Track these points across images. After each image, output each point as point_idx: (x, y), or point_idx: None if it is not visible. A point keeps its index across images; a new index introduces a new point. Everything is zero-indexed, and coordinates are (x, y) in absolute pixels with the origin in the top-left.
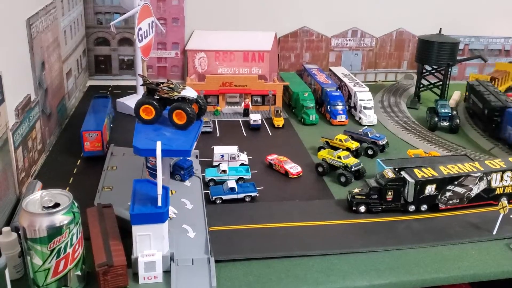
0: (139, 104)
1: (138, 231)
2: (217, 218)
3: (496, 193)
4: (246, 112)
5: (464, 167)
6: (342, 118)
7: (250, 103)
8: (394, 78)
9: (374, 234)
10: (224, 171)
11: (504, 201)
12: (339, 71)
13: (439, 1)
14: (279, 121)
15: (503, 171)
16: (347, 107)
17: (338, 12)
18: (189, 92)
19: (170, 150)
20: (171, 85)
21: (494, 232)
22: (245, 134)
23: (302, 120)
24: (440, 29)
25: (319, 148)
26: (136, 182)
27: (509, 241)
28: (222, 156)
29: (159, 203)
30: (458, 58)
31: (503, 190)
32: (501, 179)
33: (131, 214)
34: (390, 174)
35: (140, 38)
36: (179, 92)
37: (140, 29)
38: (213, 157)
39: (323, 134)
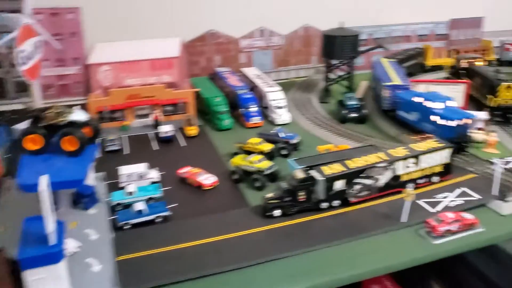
0: (22, 135)
1: (30, 276)
2: (126, 246)
3: (402, 180)
4: (156, 124)
5: (370, 159)
6: (256, 120)
7: (159, 114)
8: (305, 74)
9: (290, 237)
10: (131, 193)
11: (408, 189)
12: (251, 72)
13: None
14: (191, 130)
15: (406, 158)
16: (260, 108)
17: (244, 13)
18: (78, 115)
19: (60, 182)
20: (58, 110)
21: (403, 220)
22: (156, 148)
23: (216, 126)
24: (341, 22)
25: (234, 154)
26: (27, 220)
27: (418, 227)
28: (130, 176)
29: (52, 241)
30: (361, 49)
31: (409, 177)
32: (406, 166)
33: (19, 259)
34: (300, 174)
35: (22, 60)
36: (67, 117)
37: (22, 51)
38: (120, 178)
39: (238, 139)
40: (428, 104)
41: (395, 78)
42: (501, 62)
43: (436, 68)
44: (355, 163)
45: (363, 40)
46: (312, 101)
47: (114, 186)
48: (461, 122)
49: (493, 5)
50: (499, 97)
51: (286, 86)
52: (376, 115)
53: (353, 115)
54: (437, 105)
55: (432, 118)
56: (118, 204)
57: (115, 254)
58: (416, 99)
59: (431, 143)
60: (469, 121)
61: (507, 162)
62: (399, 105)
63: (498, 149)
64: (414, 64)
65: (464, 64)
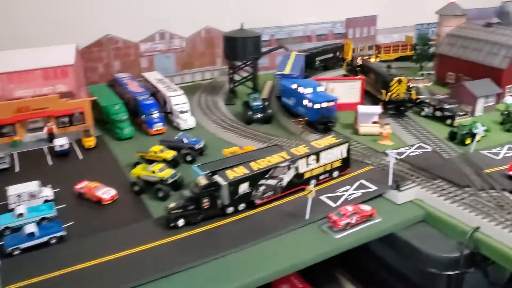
0: None
1: None
2: (16, 273)
3: (305, 177)
4: (50, 137)
5: (273, 159)
6: (159, 126)
7: (54, 126)
8: (211, 76)
9: (195, 247)
10: (21, 215)
11: (310, 186)
12: (153, 76)
13: None
14: (89, 142)
15: (307, 156)
16: (163, 113)
17: (142, 16)
18: None
19: None
20: None
21: (307, 217)
22: (51, 163)
23: (116, 135)
24: (242, 24)
25: (135, 165)
26: None
27: (321, 223)
28: (19, 196)
29: None
30: (264, 50)
31: (311, 173)
32: (307, 164)
33: None
34: (203, 181)
35: None
36: None
37: None
38: (8, 199)
39: (140, 148)
40: (301, 89)
41: (288, 69)
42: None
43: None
44: (259, 164)
45: (266, 41)
46: (218, 103)
47: (3, 209)
48: (324, 105)
49: (385, 4)
50: (392, 91)
51: (191, 89)
52: (281, 114)
53: (258, 115)
54: (307, 90)
55: (304, 102)
56: (6, 228)
57: (3, 283)
58: (293, 86)
59: (330, 139)
60: (332, 104)
61: (401, 153)
62: (283, 92)
63: (392, 141)
64: (331, 58)
65: (359, 61)
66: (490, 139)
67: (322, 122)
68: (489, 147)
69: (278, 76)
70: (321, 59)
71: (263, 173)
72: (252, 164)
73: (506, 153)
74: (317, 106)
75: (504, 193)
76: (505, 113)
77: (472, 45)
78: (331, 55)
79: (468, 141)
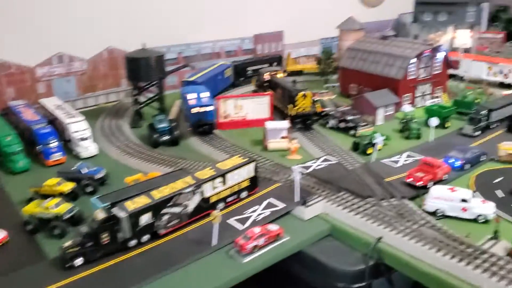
0: None
1: None
2: None
3: (212, 201)
4: None
5: (177, 185)
6: (57, 156)
7: None
8: (116, 98)
9: (94, 287)
10: None
11: (215, 211)
12: (51, 102)
13: (143, 15)
14: None
15: (213, 179)
16: (62, 142)
17: (37, 39)
18: None
19: None
20: None
21: (214, 243)
22: None
23: (10, 169)
24: (144, 44)
25: (29, 201)
26: None
27: (228, 248)
28: None
29: None
30: (169, 69)
31: (219, 197)
32: (213, 187)
33: None
34: (101, 214)
35: None
36: None
37: None
38: None
39: (37, 181)
40: (187, 96)
41: (196, 76)
42: None
43: (295, 73)
44: (162, 192)
45: (173, 59)
46: (123, 127)
47: None
48: (200, 110)
49: (290, 20)
50: (298, 105)
51: (95, 114)
52: (190, 134)
53: (165, 138)
54: (190, 96)
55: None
56: None
57: None
58: (183, 93)
59: (236, 159)
60: (209, 108)
61: (307, 167)
62: (183, 100)
63: (300, 155)
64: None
65: (267, 77)
66: (390, 148)
67: (199, 125)
68: (389, 155)
69: (183, 83)
70: (255, 69)
71: (166, 201)
72: (154, 192)
73: (405, 160)
74: (194, 110)
75: (403, 201)
76: (403, 121)
77: (371, 58)
78: (266, 65)
79: (370, 150)
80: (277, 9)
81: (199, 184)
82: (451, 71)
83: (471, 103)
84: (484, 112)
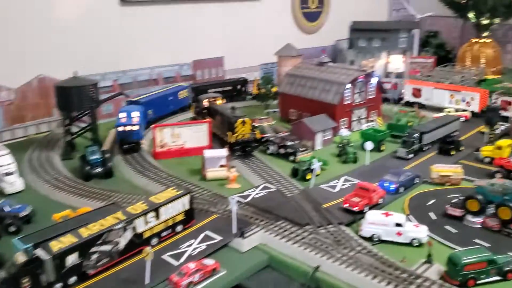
0: None
1: None
2: None
3: (145, 237)
4: None
5: (106, 222)
6: None
7: None
8: (48, 128)
9: None
10: None
11: (147, 248)
12: None
13: (76, 41)
14: None
15: (145, 214)
16: None
17: None
18: None
19: None
20: None
21: (147, 282)
22: None
23: None
24: (76, 72)
25: None
26: None
27: (162, 286)
28: None
29: None
30: (103, 97)
31: (152, 232)
32: (146, 222)
33: None
34: (21, 257)
35: None
36: None
37: None
38: None
39: None
40: (118, 114)
41: (142, 96)
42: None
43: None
44: (90, 230)
45: (108, 86)
46: (54, 159)
47: None
48: (126, 128)
49: (230, 46)
50: (237, 132)
51: (24, 145)
52: (122, 165)
53: (98, 170)
54: (121, 115)
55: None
56: None
57: None
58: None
59: (171, 192)
60: (135, 128)
61: (246, 196)
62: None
63: (239, 184)
64: (230, 90)
65: (206, 103)
66: (328, 172)
67: (123, 144)
68: (327, 180)
69: (127, 102)
70: (216, 91)
71: (95, 239)
72: (82, 230)
73: (342, 185)
74: (120, 128)
75: (340, 227)
76: (340, 145)
77: (308, 83)
78: (229, 87)
79: (309, 176)
80: (217, 34)
81: (130, 219)
82: (416, 99)
83: (404, 126)
84: (416, 135)
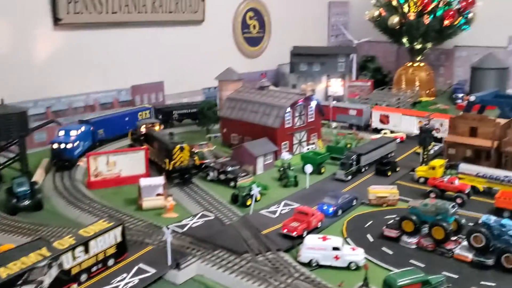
0: None
1: None
2: None
3: (73, 273)
4: None
5: (28, 260)
6: None
7: None
8: None
9: None
10: None
11: (74, 285)
12: None
13: (6, 67)
14: None
15: (73, 248)
16: None
17: None
18: None
19: None
20: None
21: None
22: None
23: None
24: (2, 100)
25: None
26: None
27: None
28: None
29: None
30: (33, 126)
31: (80, 267)
32: (74, 257)
33: None
34: None
35: None
36: None
37: None
38: None
39: None
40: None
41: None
42: None
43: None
44: (10, 269)
45: (41, 114)
46: None
47: None
48: (61, 146)
49: (171, 70)
50: (175, 159)
51: None
52: (55, 197)
53: (25, 203)
54: (60, 133)
55: None
56: None
57: None
58: None
59: (102, 224)
60: (69, 146)
61: (183, 225)
62: None
63: (177, 212)
64: (195, 113)
65: (143, 130)
66: (269, 197)
67: (56, 161)
68: (267, 205)
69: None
70: (182, 113)
71: (15, 280)
72: (0, 270)
73: (282, 209)
74: (54, 146)
75: (279, 254)
76: (281, 169)
77: (249, 107)
78: (195, 110)
79: (249, 202)
80: (157, 59)
81: (56, 255)
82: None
83: (343, 148)
84: (354, 157)
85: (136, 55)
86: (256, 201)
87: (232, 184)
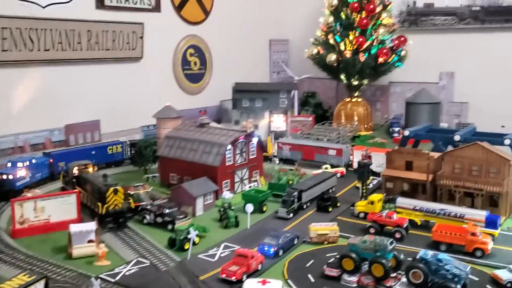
0: None
1: None
2: None
3: None
4: None
5: None
6: None
7: None
8: None
9: None
10: None
11: None
12: None
13: None
14: None
15: None
16: None
17: None
18: None
19: None
20: None
21: None
22: None
23: None
24: None
25: None
26: None
27: None
28: None
29: None
30: None
31: None
32: None
33: None
34: None
35: None
36: None
37: None
38: None
39: None
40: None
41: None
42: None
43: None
44: None
45: None
46: None
47: None
48: (3, 176)
49: (107, 108)
50: (108, 203)
51: None
52: None
53: None
54: (8, 164)
55: None
56: None
57: None
58: None
59: (21, 278)
60: (10, 176)
61: (116, 274)
62: None
63: (110, 260)
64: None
65: (75, 171)
66: (209, 240)
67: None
68: (206, 249)
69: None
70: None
71: None
72: None
73: (222, 252)
74: None
75: None
76: (221, 209)
77: (188, 145)
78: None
79: (187, 246)
80: (93, 97)
81: None
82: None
83: (285, 185)
84: (295, 193)
85: (70, 93)
86: (194, 244)
87: (170, 227)
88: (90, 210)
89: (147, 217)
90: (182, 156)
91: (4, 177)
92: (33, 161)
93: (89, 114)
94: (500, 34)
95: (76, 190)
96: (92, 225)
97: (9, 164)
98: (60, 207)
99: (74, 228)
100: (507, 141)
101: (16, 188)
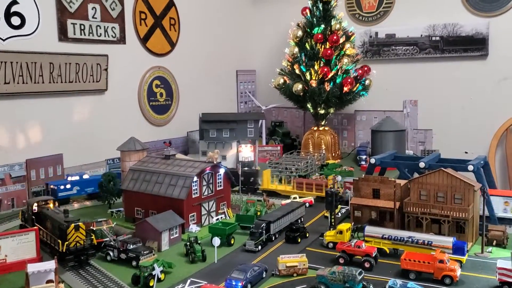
0: None
1: None
2: None
3: None
4: None
5: None
6: None
7: None
8: None
9: None
10: None
11: None
12: None
13: None
14: None
15: None
16: None
17: None
18: None
19: None
20: None
21: None
22: None
23: None
24: None
25: None
26: None
27: None
28: None
29: None
30: None
31: None
32: None
33: None
34: None
35: None
36: None
37: None
38: None
39: None
40: None
41: None
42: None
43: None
44: None
45: None
46: None
47: None
48: None
49: (69, 141)
50: (69, 240)
51: None
52: None
53: None
54: None
55: None
56: None
57: None
58: None
59: None
60: None
61: None
62: None
63: None
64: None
65: (35, 208)
66: (174, 275)
67: None
68: (171, 285)
69: None
70: None
71: None
72: None
73: None
74: None
75: None
76: (187, 243)
77: (154, 178)
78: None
79: (151, 283)
80: (55, 130)
81: None
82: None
83: (253, 216)
84: (263, 225)
85: (31, 126)
86: (159, 281)
87: (134, 263)
88: (51, 248)
89: (111, 253)
90: (147, 189)
91: None
92: None
93: (52, 148)
94: (459, 62)
95: (35, 227)
96: (51, 264)
97: None
98: (18, 246)
99: (31, 268)
100: (470, 167)
101: None
